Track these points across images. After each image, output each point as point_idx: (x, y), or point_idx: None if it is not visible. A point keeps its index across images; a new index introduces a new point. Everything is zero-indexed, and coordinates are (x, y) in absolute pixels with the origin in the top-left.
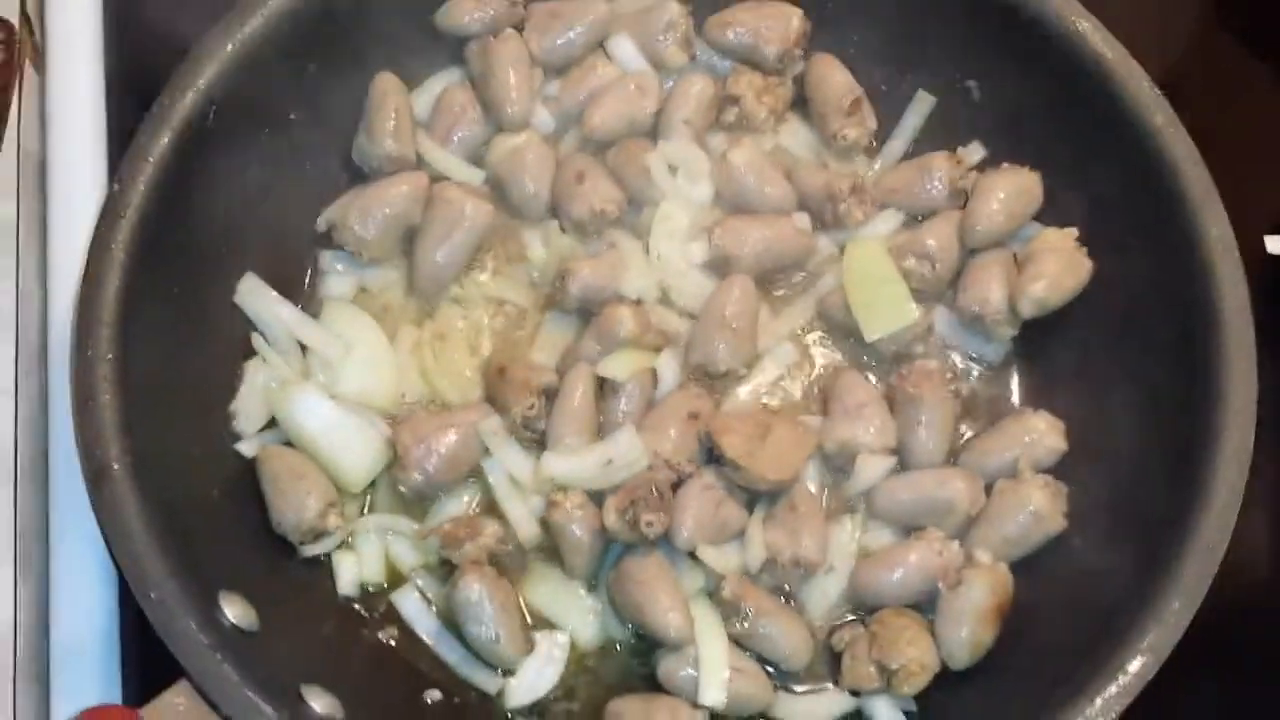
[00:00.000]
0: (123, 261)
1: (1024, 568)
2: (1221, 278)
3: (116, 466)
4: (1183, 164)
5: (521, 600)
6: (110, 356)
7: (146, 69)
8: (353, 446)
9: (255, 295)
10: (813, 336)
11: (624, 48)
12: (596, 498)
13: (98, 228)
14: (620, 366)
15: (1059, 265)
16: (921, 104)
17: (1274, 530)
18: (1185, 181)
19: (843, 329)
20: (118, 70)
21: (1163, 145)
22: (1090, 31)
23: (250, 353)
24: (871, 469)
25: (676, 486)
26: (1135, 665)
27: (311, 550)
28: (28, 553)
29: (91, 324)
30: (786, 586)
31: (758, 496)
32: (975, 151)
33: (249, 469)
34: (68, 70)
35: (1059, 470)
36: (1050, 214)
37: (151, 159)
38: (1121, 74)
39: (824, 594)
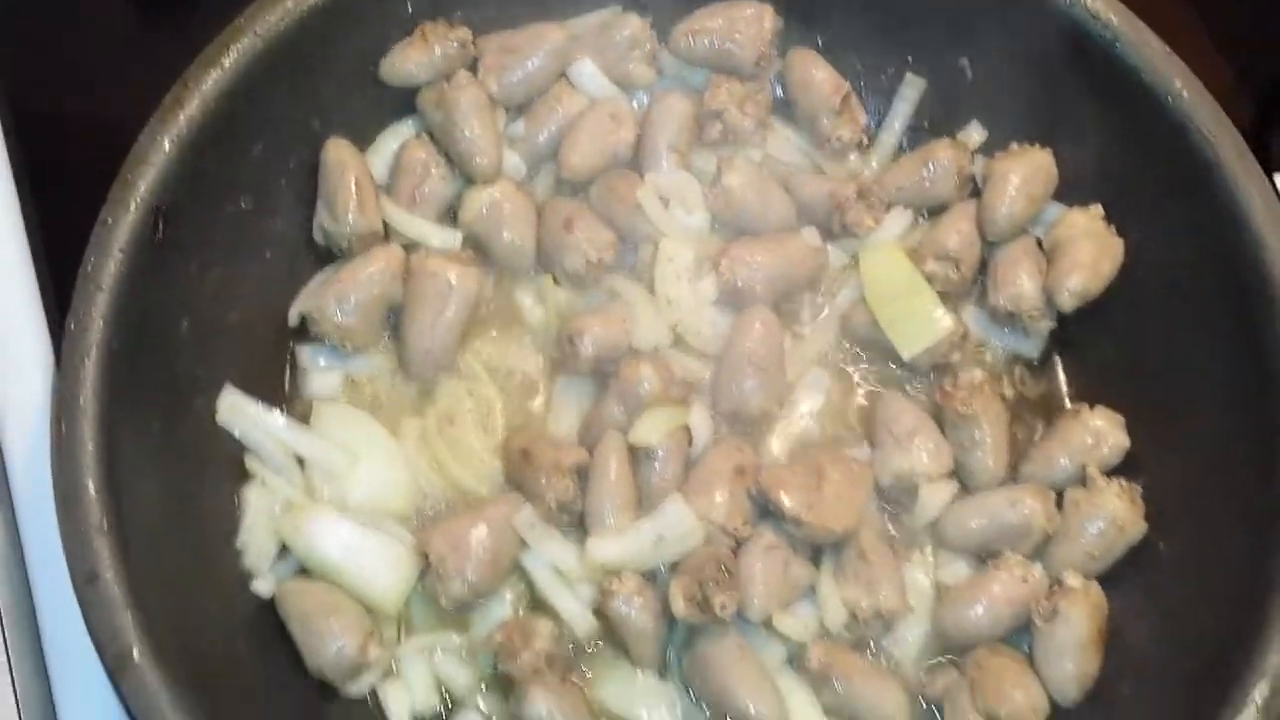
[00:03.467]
0: (95, 413)
1: (1114, 585)
2: (1274, 248)
3: (137, 652)
4: (1211, 129)
5: (588, 700)
6: (105, 527)
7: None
8: (380, 567)
9: (239, 412)
10: (841, 358)
11: (587, 73)
12: (652, 576)
13: (61, 380)
14: (652, 430)
15: (1093, 250)
16: (911, 89)
17: None
18: (1217, 147)
19: (872, 346)
20: (34, 181)
21: (1186, 110)
22: None
23: (247, 477)
24: (935, 498)
25: (735, 549)
26: (1266, 686)
27: (355, 689)
28: None
29: (77, 492)
30: (870, 640)
31: (822, 548)
32: (976, 133)
33: (269, 609)
34: None
35: (1128, 470)
36: (1068, 192)
37: (105, 287)
38: (1131, 37)
39: (909, 641)
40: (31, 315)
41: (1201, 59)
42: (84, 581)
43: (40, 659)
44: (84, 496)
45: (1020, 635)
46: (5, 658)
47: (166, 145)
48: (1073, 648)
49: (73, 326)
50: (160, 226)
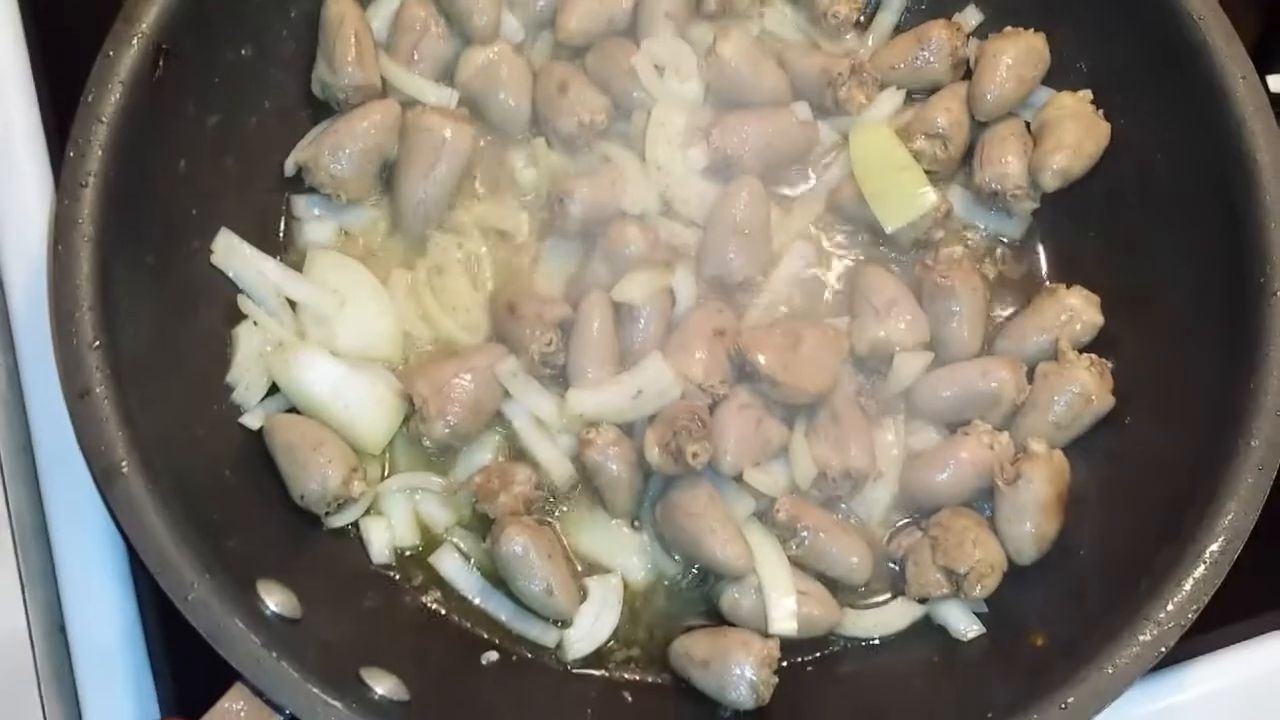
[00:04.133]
0: (92, 235)
1: (1080, 453)
2: (1255, 131)
3: (125, 464)
4: (1200, 11)
5: (563, 545)
6: (98, 344)
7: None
8: (366, 405)
9: (234, 253)
10: (826, 231)
11: None
12: (629, 429)
13: (59, 202)
14: (635, 289)
15: (1078, 131)
16: None
17: None
18: (1205, 30)
19: (857, 220)
20: (40, 17)
21: None
22: None
23: (239, 317)
24: (909, 367)
25: (711, 408)
26: (1218, 545)
27: (338, 521)
28: (29, 555)
29: (72, 310)
30: (839, 498)
31: (796, 409)
32: (972, 16)
33: (256, 442)
34: None
35: (1100, 346)
36: (1059, 77)
37: (105, 119)
38: None
39: (876, 502)
40: (33, 146)
41: None
42: (76, 396)
43: (34, 477)
44: (79, 314)
45: (984, 502)
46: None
47: None
48: (1033, 509)
49: (72, 154)
50: (161, 64)
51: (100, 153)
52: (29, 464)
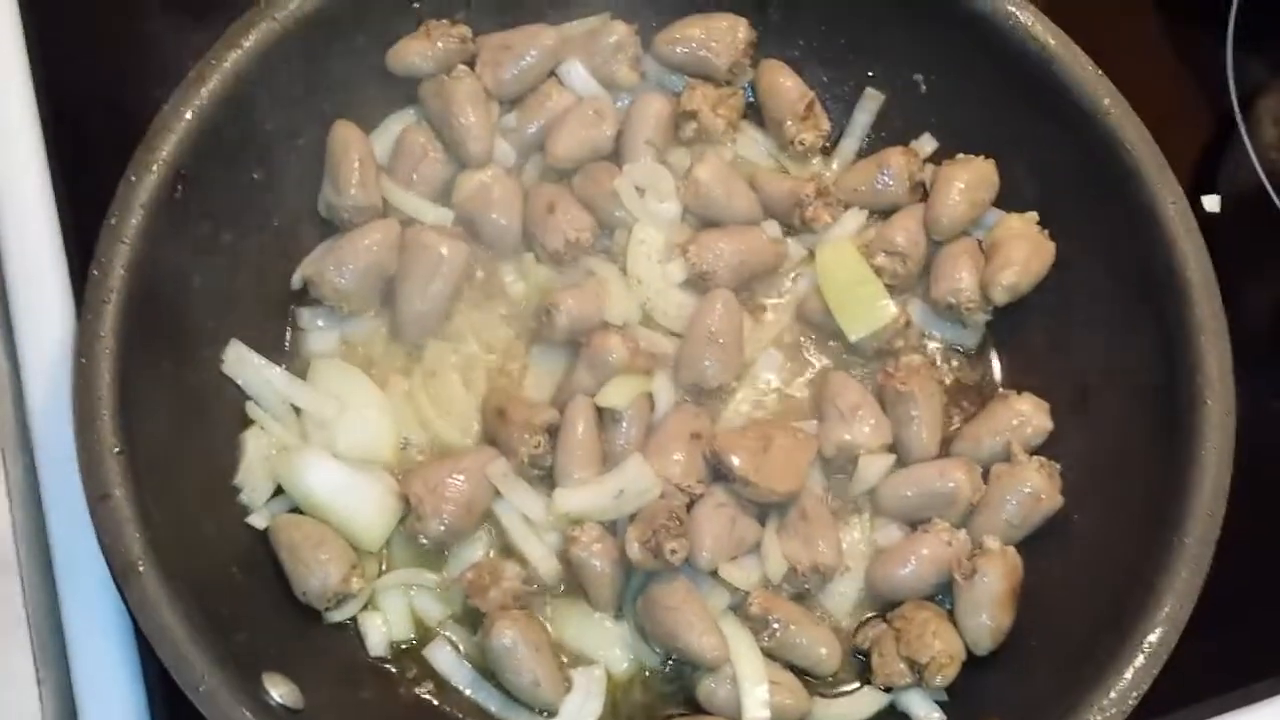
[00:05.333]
0: (114, 349)
1: (1031, 549)
2: (1186, 251)
3: (142, 563)
4: (1134, 142)
5: (550, 637)
6: (117, 449)
7: (88, 136)
8: (364, 505)
9: (243, 363)
10: (795, 340)
11: (576, 73)
12: (612, 527)
13: (83, 317)
14: (618, 395)
15: (1025, 250)
16: (871, 101)
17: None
18: (1138, 159)
19: (824, 330)
20: (60, 142)
21: (1112, 125)
22: (1031, 22)
23: (247, 423)
24: (873, 468)
25: (688, 507)
26: (1156, 636)
27: (338, 615)
28: (44, 646)
29: (94, 418)
30: (808, 592)
31: (768, 508)
32: (928, 144)
33: (262, 540)
34: (5, 148)
35: (1050, 449)
36: (1008, 199)
37: (127, 240)
38: (1066, 59)
39: (843, 596)
40: (54, 264)
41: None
42: (97, 499)
43: (50, 572)
44: (100, 421)
45: (944, 595)
46: (19, 575)
47: (188, 115)
48: (988, 603)
49: (96, 272)
50: (179, 188)
51: (122, 271)
52: (45, 560)
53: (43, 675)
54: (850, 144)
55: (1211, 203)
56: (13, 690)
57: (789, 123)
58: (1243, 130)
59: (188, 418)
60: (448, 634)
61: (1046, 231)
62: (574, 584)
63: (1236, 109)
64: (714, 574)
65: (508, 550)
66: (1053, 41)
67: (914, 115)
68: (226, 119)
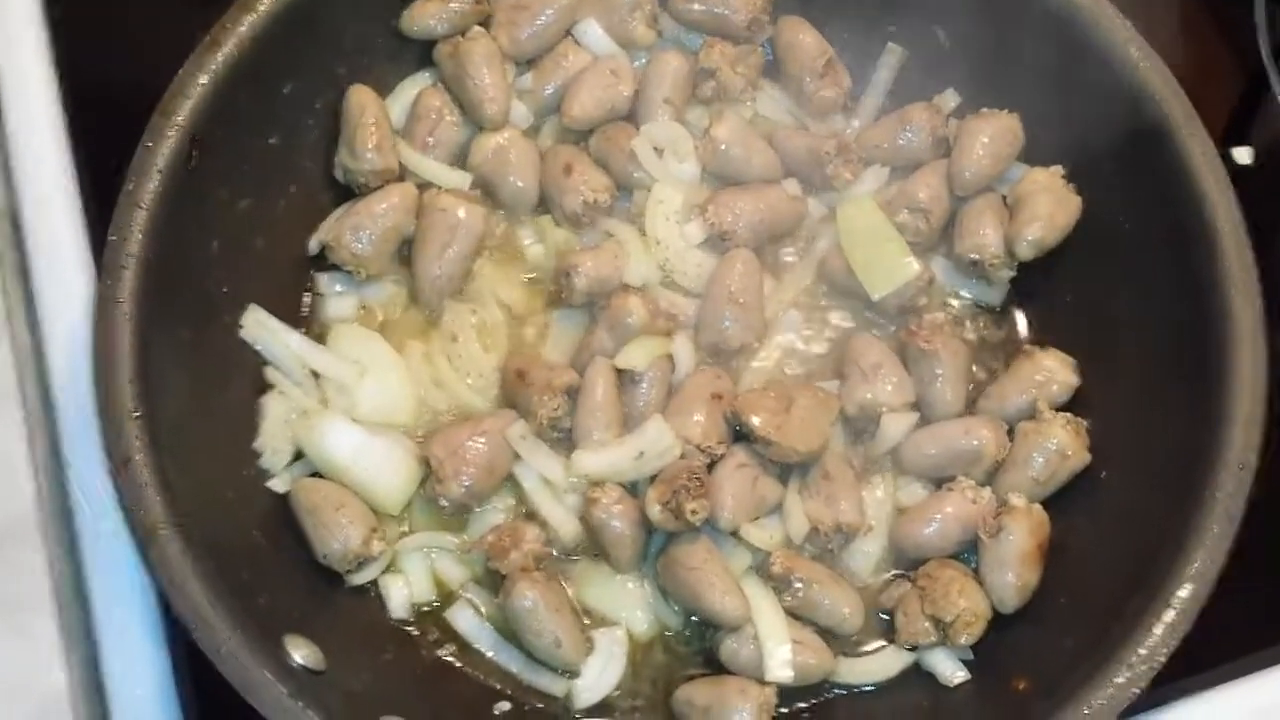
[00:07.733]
0: (132, 314)
1: (1059, 507)
2: (1216, 203)
3: (164, 527)
4: (1163, 94)
5: (570, 599)
6: (138, 414)
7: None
8: (385, 469)
9: (261, 328)
10: (816, 300)
11: (592, 32)
12: (632, 488)
13: (102, 282)
14: (637, 356)
15: (1050, 204)
16: (891, 56)
17: None
18: (1167, 111)
19: (845, 289)
20: (78, 112)
21: (1140, 77)
22: None
23: (266, 387)
24: (896, 427)
25: (709, 468)
26: (1186, 592)
27: (359, 578)
28: (70, 615)
29: (113, 382)
30: (831, 551)
31: (790, 468)
32: (950, 98)
33: (282, 504)
34: (26, 119)
35: (1077, 405)
36: (1032, 153)
37: (144, 205)
38: (1092, 10)
39: (867, 555)
40: (73, 230)
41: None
42: (119, 464)
43: (73, 540)
44: (120, 386)
45: (969, 554)
46: (43, 545)
47: (203, 80)
48: (1014, 561)
49: (114, 238)
50: (195, 154)
51: (140, 236)
52: (69, 527)
53: (68, 644)
54: (871, 101)
55: (1243, 155)
56: (39, 658)
57: (807, 79)
58: (1274, 82)
59: (206, 384)
60: (469, 596)
61: (1072, 186)
62: (594, 546)
63: (1268, 61)
64: (735, 534)
65: (528, 513)
66: None
67: (936, 70)
68: (242, 84)
